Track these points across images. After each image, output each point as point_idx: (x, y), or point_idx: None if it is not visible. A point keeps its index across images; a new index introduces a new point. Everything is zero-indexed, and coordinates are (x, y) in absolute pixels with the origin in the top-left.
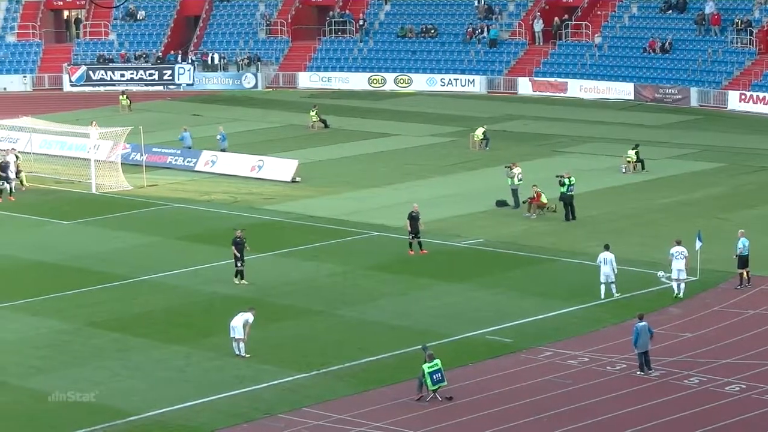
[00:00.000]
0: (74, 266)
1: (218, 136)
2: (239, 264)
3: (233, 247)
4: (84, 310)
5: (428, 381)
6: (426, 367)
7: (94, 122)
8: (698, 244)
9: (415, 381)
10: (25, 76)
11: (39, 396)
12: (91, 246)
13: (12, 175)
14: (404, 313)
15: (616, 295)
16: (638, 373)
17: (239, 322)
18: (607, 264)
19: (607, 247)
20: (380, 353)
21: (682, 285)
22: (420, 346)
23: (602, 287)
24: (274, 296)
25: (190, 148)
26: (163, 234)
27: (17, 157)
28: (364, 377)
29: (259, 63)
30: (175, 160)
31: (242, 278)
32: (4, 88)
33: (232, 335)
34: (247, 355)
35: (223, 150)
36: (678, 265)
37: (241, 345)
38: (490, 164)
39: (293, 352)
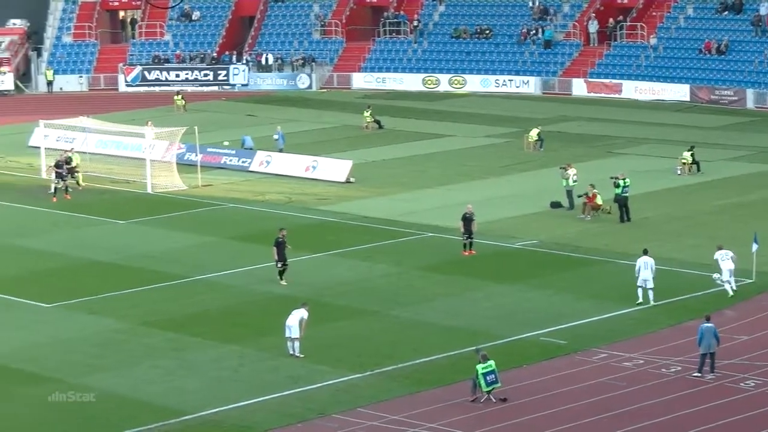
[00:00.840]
0: (130, 266)
1: (276, 136)
2: (280, 264)
3: (274, 248)
4: (139, 309)
5: (482, 382)
6: (480, 368)
7: (149, 122)
8: (755, 247)
9: (469, 382)
10: (81, 76)
11: (95, 394)
12: (146, 246)
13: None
14: (458, 314)
15: (652, 302)
16: (694, 374)
17: (295, 321)
18: (647, 268)
19: (645, 252)
20: (434, 354)
21: (733, 283)
22: (474, 348)
23: (639, 291)
24: (329, 296)
25: (251, 149)
26: (217, 234)
27: (71, 158)
28: (417, 378)
29: (313, 64)
30: (230, 161)
31: (281, 277)
32: (61, 88)
33: (287, 335)
34: (301, 355)
35: (280, 150)
36: (727, 265)
37: (296, 345)
38: (544, 165)
39: (347, 353)
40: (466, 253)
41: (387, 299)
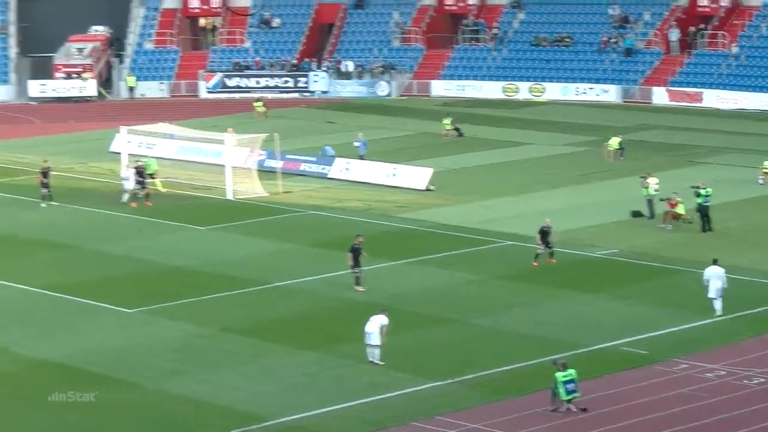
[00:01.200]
0: (210, 271)
1: (357, 143)
2: (356, 270)
3: (349, 254)
4: (218, 315)
5: (561, 390)
6: (560, 376)
7: (229, 129)
8: None
9: (548, 391)
10: (162, 83)
11: (174, 399)
12: (226, 251)
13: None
14: (537, 323)
15: (719, 313)
16: None
17: (374, 328)
18: (718, 279)
19: (715, 262)
20: (514, 362)
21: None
22: (552, 359)
23: (714, 303)
24: (408, 304)
25: (362, 156)
26: (297, 240)
27: (149, 164)
28: (497, 386)
29: (392, 71)
30: (309, 167)
31: (357, 284)
32: (142, 95)
33: (367, 341)
34: (381, 363)
35: (361, 157)
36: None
37: (376, 352)
38: (624, 174)
39: (426, 360)
40: (536, 264)
41: (466, 307)
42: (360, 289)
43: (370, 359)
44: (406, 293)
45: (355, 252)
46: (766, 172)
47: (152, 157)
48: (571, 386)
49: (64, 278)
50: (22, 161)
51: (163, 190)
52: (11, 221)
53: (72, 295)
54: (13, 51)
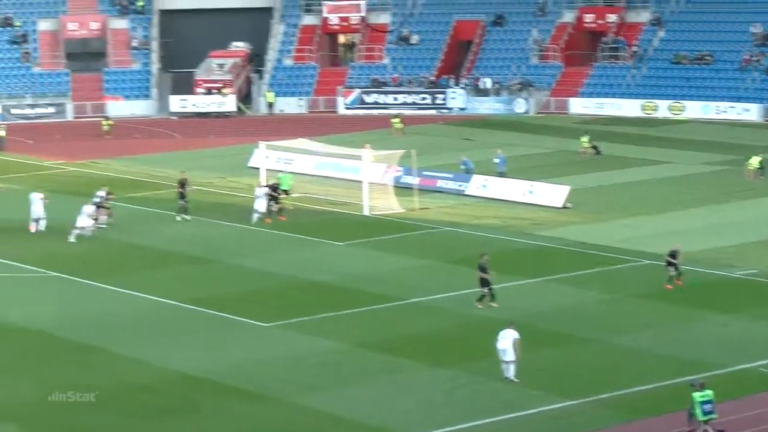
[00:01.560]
0: (346, 287)
1: (496, 159)
2: (485, 288)
3: (478, 271)
4: (355, 330)
5: (698, 411)
6: (697, 396)
7: (367, 144)
8: None
9: (685, 412)
10: (300, 99)
11: (310, 414)
12: (363, 267)
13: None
14: (674, 342)
15: None
16: None
17: (507, 344)
18: None
19: None
20: (649, 382)
21: None
22: (689, 380)
23: None
24: (543, 322)
25: (471, 171)
26: (433, 257)
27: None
28: (633, 406)
29: (530, 88)
30: (446, 184)
31: (492, 300)
32: (281, 110)
33: (501, 358)
34: (516, 380)
35: (500, 174)
36: None
37: (511, 368)
38: (765, 194)
39: (560, 379)
40: (670, 287)
41: (602, 326)
42: (494, 305)
43: (506, 375)
44: (540, 311)
45: (483, 270)
46: None
47: (288, 173)
48: (708, 407)
49: (201, 291)
50: (161, 175)
51: (290, 205)
52: (149, 234)
53: (209, 308)
54: (155, 66)
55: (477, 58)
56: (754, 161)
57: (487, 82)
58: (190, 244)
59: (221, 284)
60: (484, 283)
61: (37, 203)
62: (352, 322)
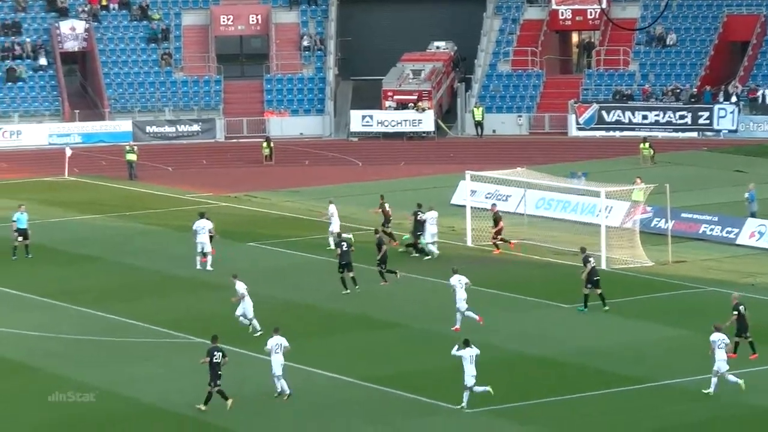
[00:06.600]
0: (575, 362)
1: (746, 195)
2: None
3: None
4: (584, 420)
5: None
6: None
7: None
8: None
9: None
10: (520, 116)
11: None
12: (595, 338)
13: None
14: None
15: None
16: None
17: None
18: None
19: None
20: None
21: None
22: None
23: None
24: None
25: (753, 214)
26: (689, 325)
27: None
28: None
29: None
30: (711, 230)
31: None
32: (493, 131)
33: None
34: None
35: (752, 214)
36: None
37: None
38: None
39: None
40: None
41: None
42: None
43: None
44: None
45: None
46: None
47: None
48: None
49: (382, 366)
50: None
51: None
52: (309, 288)
53: (393, 387)
54: (331, 73)
55: (754, 64)
56: None
57: (766, 96)
58: (371, 305)
59: (408, 357)
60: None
61: (203, 234)
62: (580, 409)
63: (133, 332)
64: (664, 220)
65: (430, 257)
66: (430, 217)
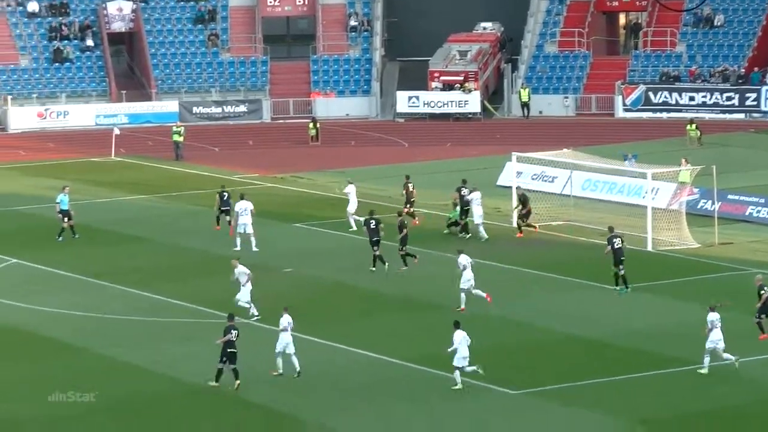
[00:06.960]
0: (622, 345)
1: None
2: None
3: None
4: (633, 402)
5: None
6: None
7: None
8: None
9: None
10: (566, 98)
11: None
12: (642, 319)
13: None
14: None
15: None
16: None
17: None
18: None
19: None
20: None
21: None
22: None
23: None
24: None
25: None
26: (735, 307)
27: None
28: None
29: None
30: (758, 212)
31: None
32: (540, 112)
33: None
34: None
35: None
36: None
37: None
38: None
39: None
40: None
41: None
42: None
43: None
44: None
45: None
46: None
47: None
48: None
49: (431, 347)
50: (382, 195)
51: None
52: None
53: (440, 368)
54: (378, 54)
55: None
56: None
57: None
58: (412, 285)
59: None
60: None
61: (245, 216)
62: (628, 391)
63: (179, 312)
64: (710, 202)
65: (480, 239)
66: (476, 197)
